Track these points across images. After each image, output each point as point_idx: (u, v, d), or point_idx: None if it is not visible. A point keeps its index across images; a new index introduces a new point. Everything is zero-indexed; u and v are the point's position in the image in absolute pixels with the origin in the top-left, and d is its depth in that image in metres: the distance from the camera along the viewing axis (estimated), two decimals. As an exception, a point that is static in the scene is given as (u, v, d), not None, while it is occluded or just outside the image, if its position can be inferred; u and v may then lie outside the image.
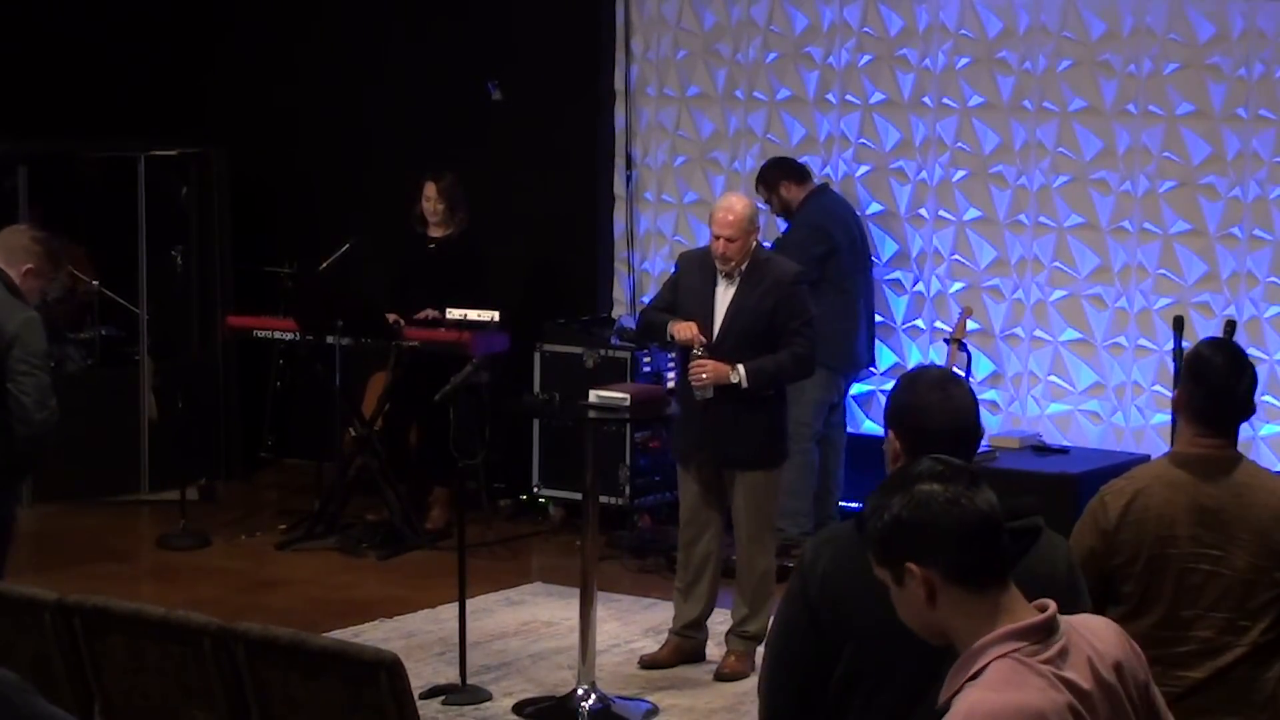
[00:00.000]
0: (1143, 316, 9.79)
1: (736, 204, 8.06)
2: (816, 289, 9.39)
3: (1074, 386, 9.99)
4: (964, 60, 10.11)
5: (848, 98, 10.46)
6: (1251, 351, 9.15)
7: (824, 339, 8.76)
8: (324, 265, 10.69)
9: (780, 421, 8.15)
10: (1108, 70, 9.77)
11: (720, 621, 8.33)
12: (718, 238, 7.99)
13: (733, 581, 8.28)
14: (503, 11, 11.32)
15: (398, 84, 11.64)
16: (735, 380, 7.92)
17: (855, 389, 10.35)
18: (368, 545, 10.15)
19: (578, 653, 7.82)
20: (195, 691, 5.39)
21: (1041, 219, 10.00)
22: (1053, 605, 3.14)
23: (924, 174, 10.28)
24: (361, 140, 11.81)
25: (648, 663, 8.27)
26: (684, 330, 7.99)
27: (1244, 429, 5.06)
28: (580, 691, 7.71)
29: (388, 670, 5.00)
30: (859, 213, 10.28)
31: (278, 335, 10.62)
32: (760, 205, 9.95)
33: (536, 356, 10.61)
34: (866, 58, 10.38)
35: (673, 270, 8.52)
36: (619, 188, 11.13)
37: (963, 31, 10.11)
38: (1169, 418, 5.07)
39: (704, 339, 7.98)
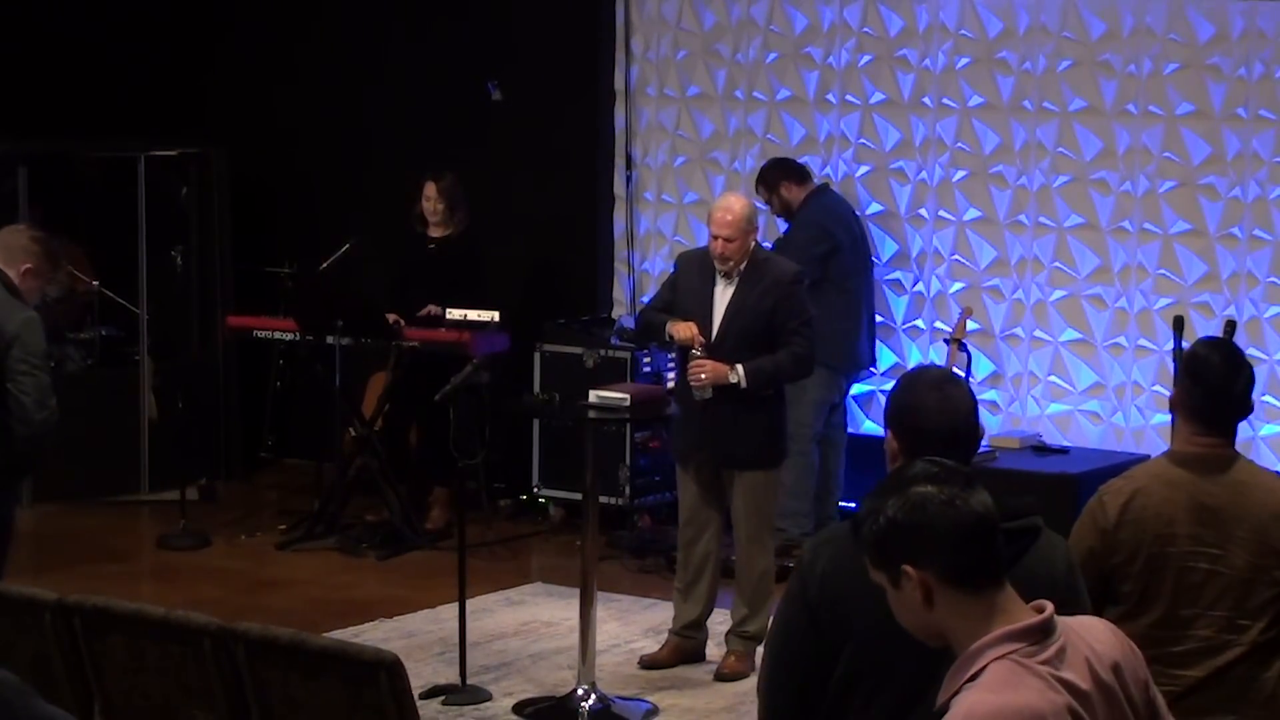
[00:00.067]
0: (1143, 316, 9.79)
1: (735, 204, 8.06)
2: (818, 289, 9.40)
3: (1074, 386, 9.99)
4: (964, 60, 10.11)
5: (848, 98, 10.46)
6: (1251, 351, 9.18)
7: (825, 339, 8.76)
8: (324, 265, 10.69)
9: (779, 421, 8.14)
10: (1108, 70, 9.77)
11: (720, 621, 8.33)
12: (716, 238, 7.99)
13: (732, 582, 8.28)
14: (503, 11, 11.32)
15: (398, 84, 11.65)
16: (734, 380, 7.92)
17: (855, 389, 10.35)
18: (368, 545, 10.15)
19: (578, 653, 7.82)
20: (195, 691, 5.40)
21: (1041, 219, 10.00)
22: (1050, 606, 3.15)
23: (924, 174, 10.28)
24: (361, 140, 11.81)
25: (648, 663, 8.27)
26: (683, 330, 7.99)
27: (1244, 429, 5.07)
28: (580, 691, 7.71)
29: (388, 670, 5.00)
30: (859, 213, 10.28)
31: (278, 335, 10.62)
32: (760, 205, 9.96)
33: (536, 356, 10.61)
34: (866, 58, 10.38)
35: (672, 270, 8.52)
36: (619, 188, 11.13)
37: (963, 31, 10.11)
38: (1169, 418, 5.07)
39: (703, 339, 7.98)
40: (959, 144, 10.16)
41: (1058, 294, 9.99)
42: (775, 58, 10.62)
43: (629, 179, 11.05)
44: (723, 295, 8.05)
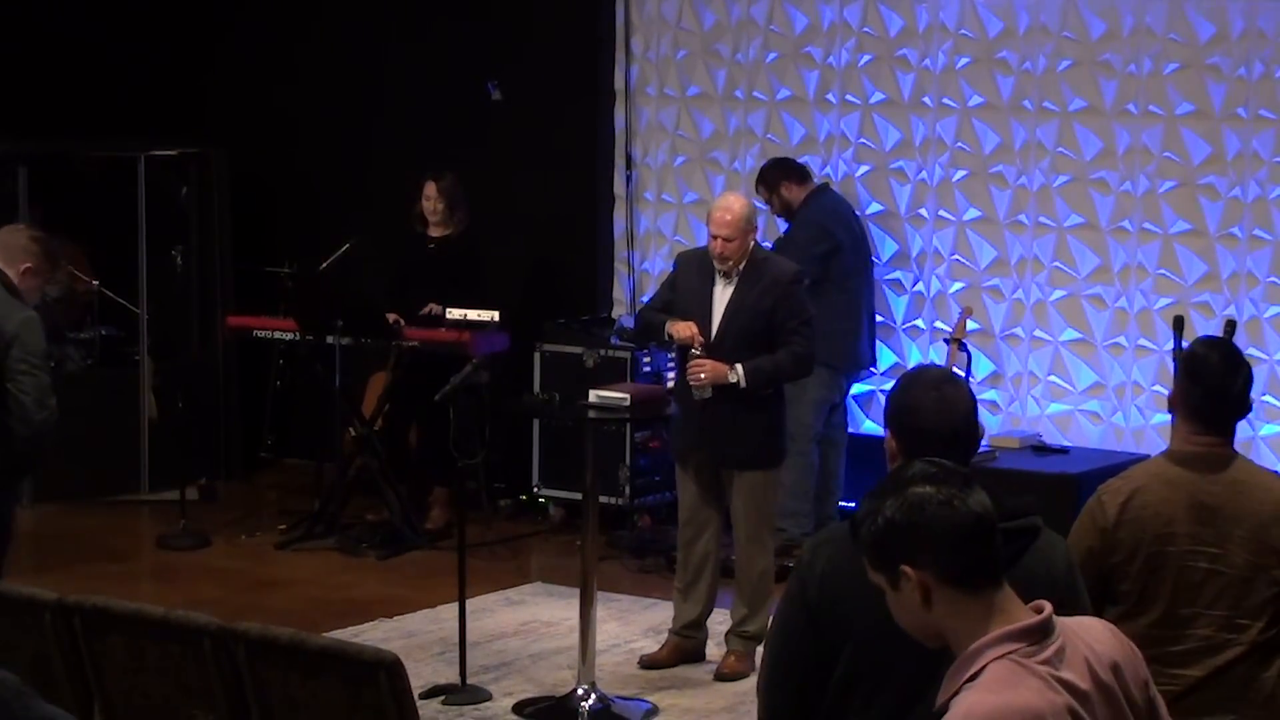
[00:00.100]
0: (1143, 316, 9.79)
1: (734, 204, 8.05)
2: (818, 289, 9.40)
3: (1074, 386, 9.99)
4: (964, 60, 10.11)
5: (848, 98, 10.46)
6: (1251, 351, 9.18)
7: (826, 338, 8.76)
8: (324, 265, 10.69)
9: (779, 421, 8.14)
10: (1108, 70, 9.77)
11: (720, 621, 8.33)
12: (715, 237, 7.99)
13: (732, 581, 8.28)
14: (503, 11, 11.32)
15: (398, 84, 11.65)
16: (733, 380, 7.91)
17: (855, 389, 10.35)
18: (368, 545, 10.15)
19: (578, 653, 7.82)
20: (195, 691, 5.40)
21: (1041, 219, 10.00)
22: (1048, 606, 3.15)
23: (924, 174, 10.28)
24: (361, 140, 11.81)
25: (648, 663, 8.27)
26: (682, 329, 7.98)
27: (1244, 429, 5.08)
28: (580, 691, 7.71)
29: (388, 670, 5.00)
30: (859, 213, 10.28)
31: (278, 335, 10.62)
32: (760, 205, 9.97)
33: (536, 356, 10.61)
34: (866, 58, 10.38)
35: (671, 270, 8.52)
36: (619, 188, 11.13)
37: (963, 31, 10.11)
38: (1169, 417, 5.07)
39: (702, 338, 7.98)
40: (959, 144, 10.16)
41: (1058, 294, 9.99)
42: (775, 58, 10.62)
43: (629, 179, 11.05)
44: (722, 295, 8.05)
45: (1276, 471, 5.28)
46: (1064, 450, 9.74)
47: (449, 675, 7.97)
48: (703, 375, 7.94)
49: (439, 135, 11.37)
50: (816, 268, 9.57)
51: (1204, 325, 9.25)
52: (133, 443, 11.29)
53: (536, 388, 10.37)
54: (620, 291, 11.15)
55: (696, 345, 7.96)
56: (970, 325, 9.76)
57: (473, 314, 10.23)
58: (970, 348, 9.63)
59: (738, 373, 7.91)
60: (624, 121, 11.04)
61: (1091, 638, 3.18)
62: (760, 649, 6.13)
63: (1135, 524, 4.84)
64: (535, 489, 10.75)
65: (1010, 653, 3.06)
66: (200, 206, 11.60)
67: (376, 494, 10.40)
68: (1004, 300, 10.12)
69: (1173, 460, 4.90)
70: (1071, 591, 3.75)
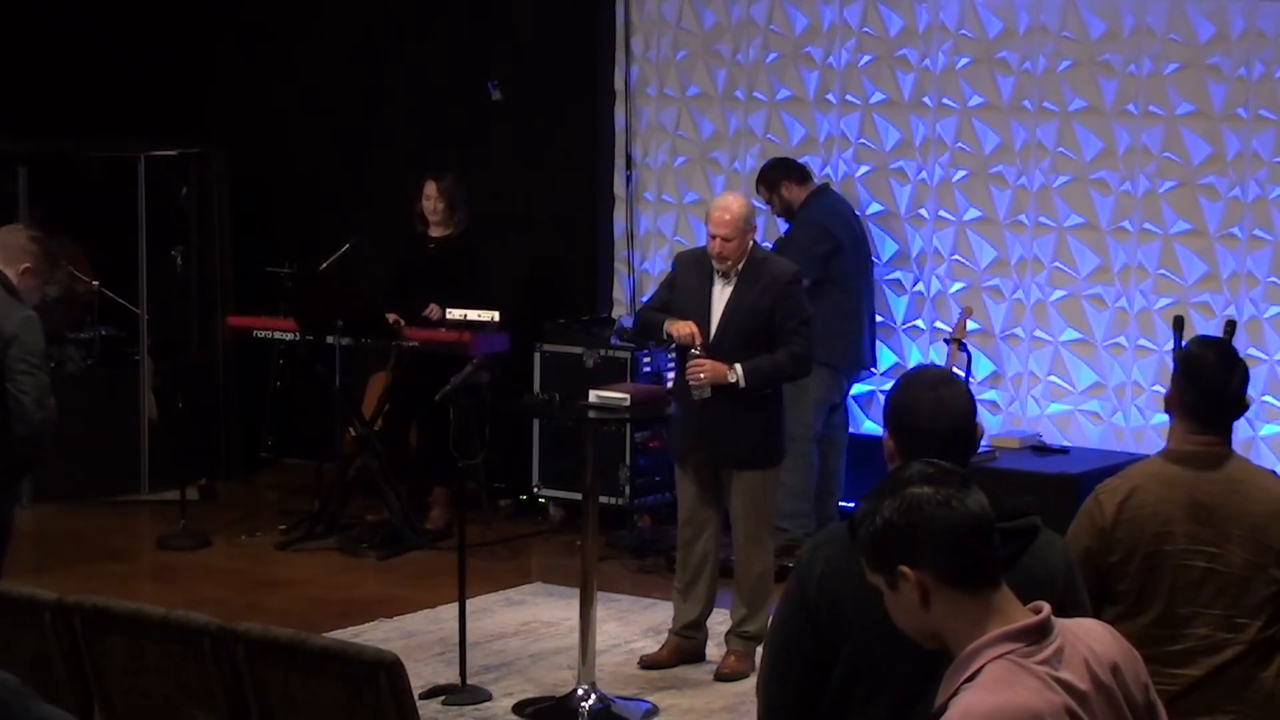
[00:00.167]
0: (1143, 316, 9.79)
1: (733, 203, 8.05)
2: (819, 289, 9.41)
3: (1074, 386, 9.99)
4: (964, 60, 10.11)
5: (848, 98, 10.46)
6: (1251, 351, 9.18)
7: (826, 338, 8.76)
8: (324, 265, 10.69)
9: (778, 421, 8.14)
10: (1108, 70, 9.77)
11: (720, 622, 8.33)
12: (714, 237, 7.99)
13: (732, 582, 8.28)
14: (503, 11, 11.32)
15: (398, 84, 11.65)
16: (733, 380, 7.91)
17: (856, 389, 10.35)
18: (368, 545, 10.15)
19: (578, 653, 7.83)
20: (195, 691, 5.40)
21: (1041, 219, 10.00)
22: (1047, 607, 3.15)
23: (924, 174, 10.28)
24: (361, 140, 11.81)
25: (648, 663, 8.27)
26: (682, 329, 7.98)
27: (1244, 428, 5.09)
28: (580, 691, 7.71)
29: (387, 670, 5.00)
30: (859, 213, 10.28)
31: (278, 335, 10.62)
32: (761, 205, 9.97)
33: (536, 356, 10.61)
34: (866, 58, 10.38)
35: (670, 270, 8.52)
36: (619, 188, 11.13)
37: (963, 31, 10.11)
38: (1168, 417, 5.07)
39: (701, 338, 7.98)
40: (959, 144, 10.16)
41: (1058, 294, 9.99)
42: (775, 58, 10.63)
43: (629, 179, 11.05)
44: (721, 295, 8.04)
45: (1274, 471, 5.28)
46: (1064, 450, 9.74)
47: (449, 675, 7.97)
48: (702, 375, 7.94)
49: (439, 135, 11.37)
50: (817, 268, 9.57)
51: (1204, 325, 9.25)
52: (133, 443, 11.29)
53: (536, 388, 10.37)
54: (620, 291, 11.15)
55: (696, 345, 7.96)
56: (970, 325, 9.76)
57: (473, 314, 10.23)
58: (970, 348, 9.63)
59: (737, 372, 7.91)
60: (624, 122, 11.04)
61: (1091, 639, 3.18)
62: (760, 649, 6.13)
63: (1133, 523, 4.84)
64: (535, 489, 10.75)
65: (1008, 653, 3.06)
66: (200, 206, 11.60)
67: (376, 494, 10.40)
68: (1004, 300, 10.12)
69: (1170, 460, 4.90)
70: (1071, 591, 3.75)
